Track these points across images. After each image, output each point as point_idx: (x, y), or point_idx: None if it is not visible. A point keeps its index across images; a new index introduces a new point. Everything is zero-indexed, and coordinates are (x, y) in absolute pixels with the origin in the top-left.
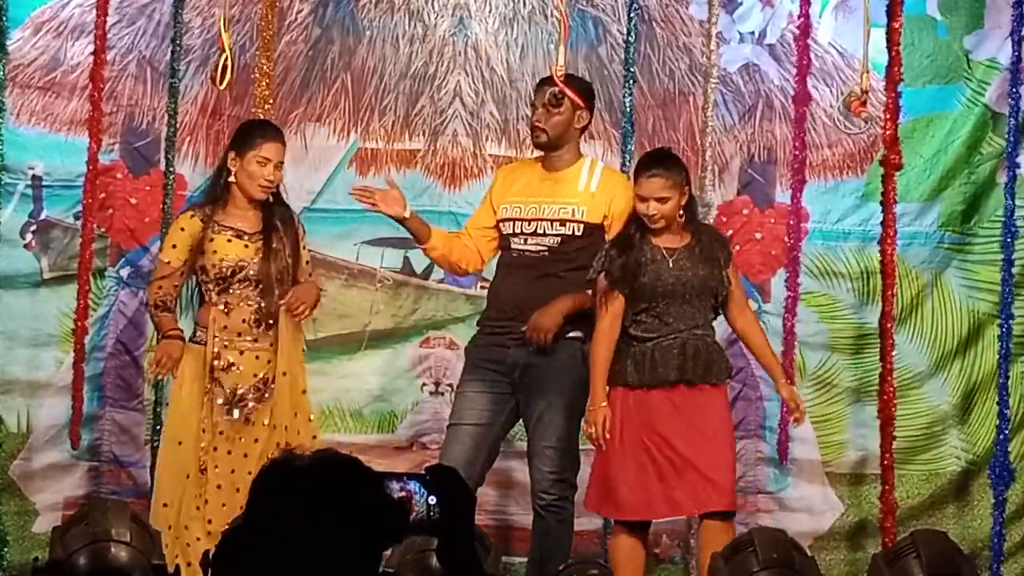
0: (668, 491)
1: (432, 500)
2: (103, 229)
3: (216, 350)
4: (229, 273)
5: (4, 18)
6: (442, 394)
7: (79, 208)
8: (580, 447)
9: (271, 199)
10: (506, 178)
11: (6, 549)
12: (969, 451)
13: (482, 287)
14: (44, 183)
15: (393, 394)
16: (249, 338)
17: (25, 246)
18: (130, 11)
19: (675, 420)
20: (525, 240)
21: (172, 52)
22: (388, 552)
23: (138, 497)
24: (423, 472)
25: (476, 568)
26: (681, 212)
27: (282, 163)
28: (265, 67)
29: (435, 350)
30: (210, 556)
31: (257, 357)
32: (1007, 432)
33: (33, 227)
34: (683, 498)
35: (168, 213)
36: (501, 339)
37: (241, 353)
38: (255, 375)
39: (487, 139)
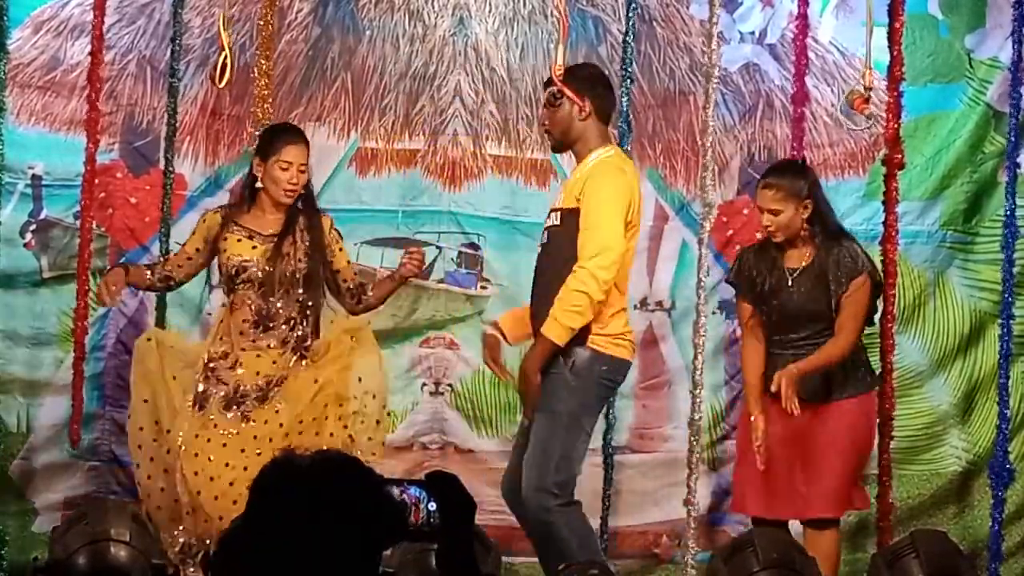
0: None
1: (432, 506)
2: (103, 228)
3: (222, 349)
4: (234, 273)
5: (4, 18)
6: (442, 394)
7: (79, 207)
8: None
9: (300, 203)
10: None
11: (6, 549)
12: (970, 451)
13: (482, 287)
14: (44, 182)
15: (393, 394)
16: (249, 339)
17: (25, 245)
18: (130, 11)
19: (780, 432)
20: None
21: (172, 52)
22: (388, 552)
23: (138, 497)
24: (423, 478)
25: (474, 574)
26: (805, 227)
27: (305, 165)
28: (264, 66)
29: (435, 350)
30: (210, 556)
31: (258, 356)
32: (1007, 432)
33: (33, 226)
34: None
35: (167, 213)
36: None
37: (243, 351)
38: (257, 373)
39: (487, 139)
